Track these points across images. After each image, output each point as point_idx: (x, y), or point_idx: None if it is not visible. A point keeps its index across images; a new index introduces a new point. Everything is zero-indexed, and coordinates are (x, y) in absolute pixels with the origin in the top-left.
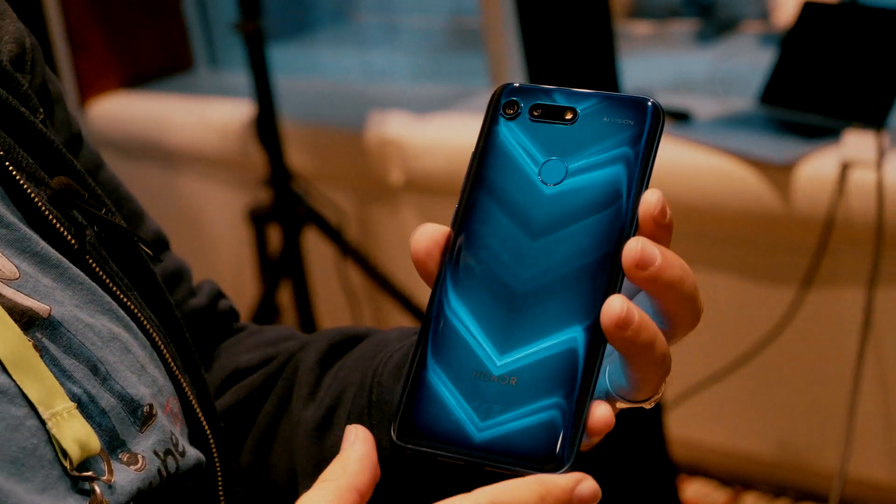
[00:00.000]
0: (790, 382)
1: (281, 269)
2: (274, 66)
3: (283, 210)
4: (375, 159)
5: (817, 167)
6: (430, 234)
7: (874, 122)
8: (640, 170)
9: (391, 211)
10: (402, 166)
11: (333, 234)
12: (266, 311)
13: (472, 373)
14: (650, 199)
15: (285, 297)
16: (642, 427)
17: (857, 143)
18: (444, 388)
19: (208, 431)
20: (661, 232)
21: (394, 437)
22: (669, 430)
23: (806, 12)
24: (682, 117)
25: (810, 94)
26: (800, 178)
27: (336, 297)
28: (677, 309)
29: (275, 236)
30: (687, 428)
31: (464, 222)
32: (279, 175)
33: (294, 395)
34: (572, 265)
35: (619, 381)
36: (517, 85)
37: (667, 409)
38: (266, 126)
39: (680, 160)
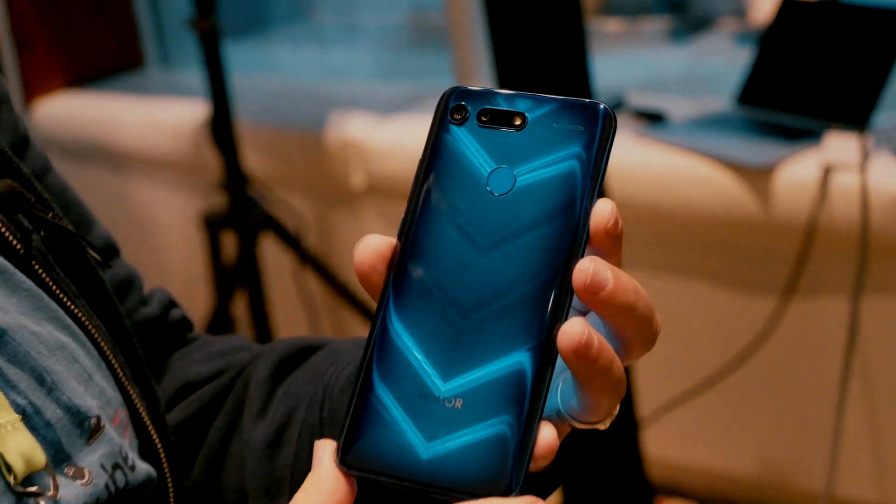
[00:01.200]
0: (772, 398)
1: (236, 277)
2: (229, 64)
3: (239, 216)
4: (335, 162)
5: (798, 170)
6: (374, 246)
7: (857, 122)
8: (592, 179)
9: (352, 216)
10: (363, 169)
11: (291, 241)
12: (220, 322)
13: (417, 394)
14: (602, 210)
15: (241, 306)
16: (617, 446)
17: (840, 146)
18: (389, 410)
19: (159, 445)
20: (613, 243)
21: (336, 461)
22: (646, 449)
23: (785, 10)
24: (655, 118)
25: (790, 93)
26: (779, 182)
27: (294, 308)
28: (631, 332)
29: (230, 243)
30: (664, 446)
31: (410, 234)
32: (234, 179)
33: (245, 411)
34: (521, 280)
35: (572, 401)
36: (465, 88)
37: (643, 427)
38: (221, 127)
39: (653, 163)
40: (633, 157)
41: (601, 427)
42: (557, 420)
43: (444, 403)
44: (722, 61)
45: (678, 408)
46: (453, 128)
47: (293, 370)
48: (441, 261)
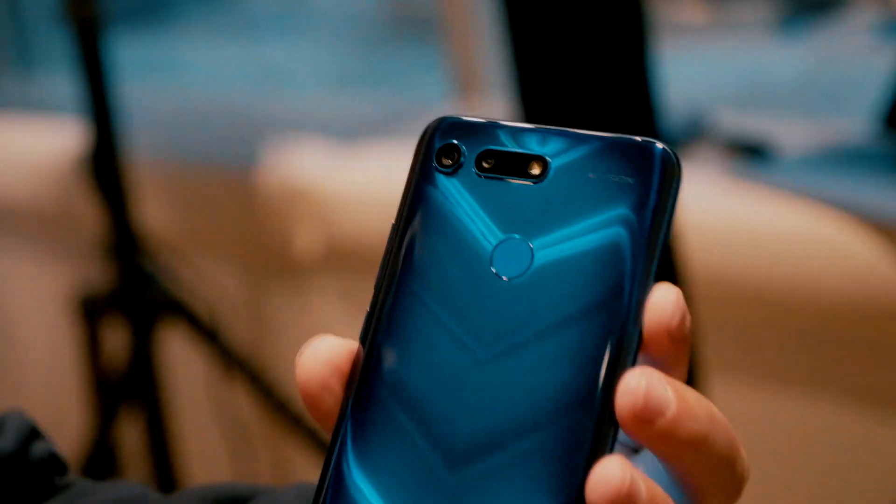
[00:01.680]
0: None
1: (125, 387)
2: (120, 70)
3: (130, 296)
4: (274, 217)
5: None
6: (325, 356)
7: None
8: (646, 255)
9: (299, 298)
10: (315, 228)
11: (207, 334)
12: (102, 456)
13: None
14: (662, 301)
15: (132, 432)
16: None
17: None
18: None
19: None
20: (677, 349)
21: None
22: None
23: None
24: (755, 151)
25: None
26: None
27: (210, 434)
28: (704, 479)
29: (116, 336)
30: None
31: (379, 336)
32: (124, 241)
33: None
34: (540, 407)
35: None
36: (458, 119)
37: None
38: (105, 164)
39: (753, 218)
40: (722, 209)
41: None
42: None
43: None
44: (855, 64)
45: None
46: (441, 178)
47: None
48: (423, 378)
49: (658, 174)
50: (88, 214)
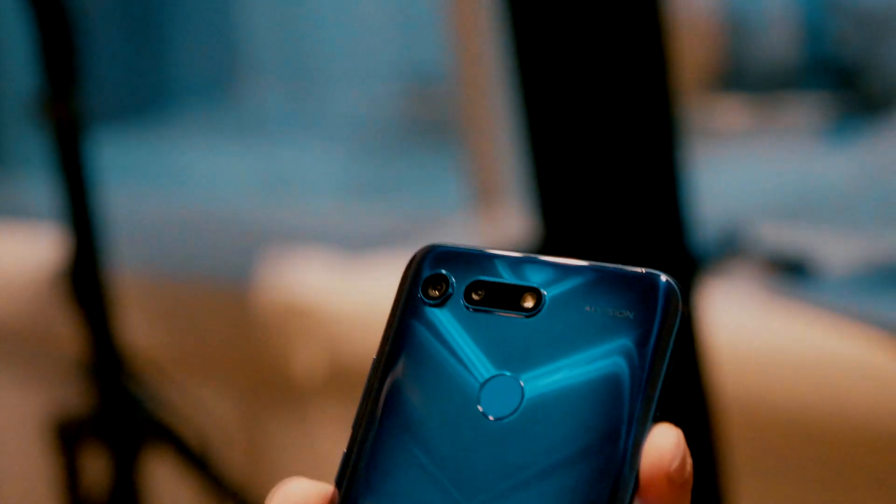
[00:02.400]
0: None
1: None
2: (105, 173)
3: (112, 420)
4: (272, 335)
5: None
6: (297, 499)
7: None
8: (645, 394)
9: (298, 424)
10: (317, 347)
11: (197, 464)
12: None
13: None
14: (661, 443)
15: None
16: None
17: None
18: None
19: None
20: (676, 495)
21: None
22: None
23: None
24: (797, 268)
25: None
26: None
27: None
28: None
29: (96, 465)
30: None
31: (356, 481)
32: (105, 360)
33: None
34: None
35: None
36: (447, 248)
37: None
38: (85, 276)
39: (794, 343)
40: (759, 331)
41: None
42: None
43: None
44: None
45: None
46: (427, 310)
47: None
48: None
49: (661, 309)
50: (67, 331)
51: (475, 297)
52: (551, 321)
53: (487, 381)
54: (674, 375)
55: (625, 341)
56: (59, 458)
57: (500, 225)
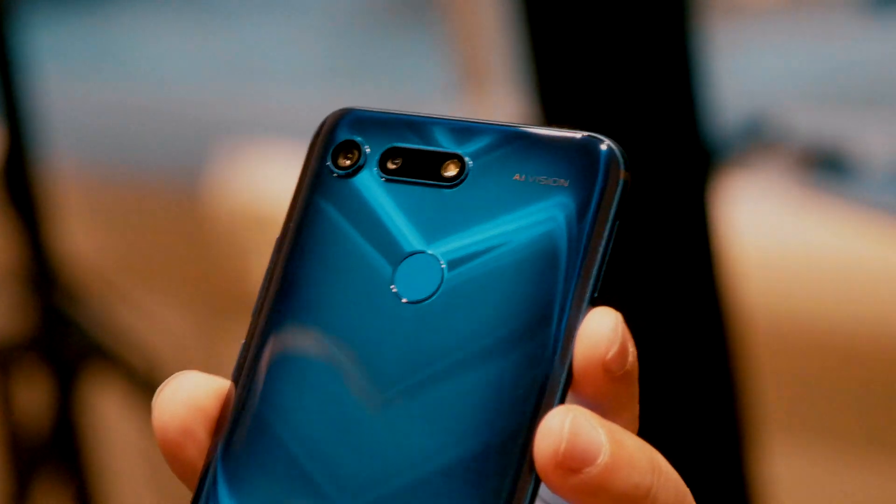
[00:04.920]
0: None
1: (43, 454)
2: (37, 56)
3: (49, 341)
4: (231, 246)
5: None
6: (188, 395)
7: None
8: (580, 273)
9: None
10: None
11: (145, 388)
12: None
13: None
14: (597, 328)
15: (53, 503)
16: None
17: None
18: None
19: None
20: (617, 390)
21: None
22: None
23: None
24: (833, 162)
25: None
26: None
27: None
28: None
29: (33, 391)
30: None
31: (253, 374)
32: (41, 273)
33: None
34: (444, 455)
35: None
36: (360, 112)
37: None
38: (17, 177)
39: (829, 248)
40: (788, 233)
41: None
42: None
43: None
44: None
45: None
46: (336, 181)
47: None
48: (305, 424)
49: (601, 176)
50: None
51: (391, 165)
52: (476, 191)
53: (403, 259)
54: (614, 254)
55: (558, 213)
56: None
57: (490, 110)
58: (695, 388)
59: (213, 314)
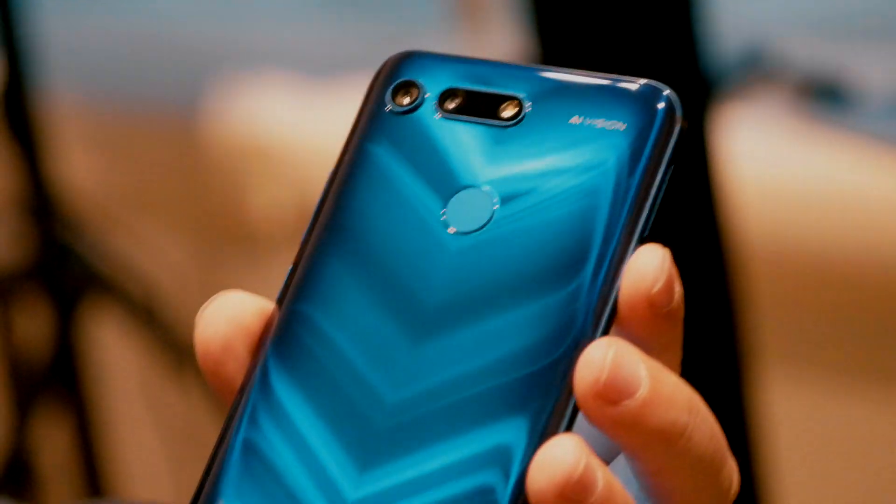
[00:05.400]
0: None
1: (43, 383)
2: None
3: (49, 270)
4: (228, 172)
5: None
6: (231, 313)
7: None
8: (631, 213)
9: (258, 272)
10: (279, 187)
11: (144, 317)
12: (16, 466)
13: None
14: (644, 264)
15: (52, 437)
16: None
17: None
18: None
19: None
20: (661, 327)
21: None
22: None
23: None
24: (832, 92)
25: None
26: None
27: (149, 440)
28: (676, 483)
29: (33, 320)
30: None
31: (302, 296)
32: (40, 203)
33: None
34: (487, 380)
35: None
36: (421, 54)
37: None
38: (16, 107)
39: (826, 177)
40: (787, 163)
41: None
42: None
43: None
44: None
45: None
46: (394, 119)
47: None
48: (349, 347)
49: (659, 122)
50: None
51: (449, 105)
52: (532, 132)
53: (455, 193)
54: (666, 199)
55: (613, 154)
56: None
57: (487, 43)
58: (694, 316)
59: (210, 244)
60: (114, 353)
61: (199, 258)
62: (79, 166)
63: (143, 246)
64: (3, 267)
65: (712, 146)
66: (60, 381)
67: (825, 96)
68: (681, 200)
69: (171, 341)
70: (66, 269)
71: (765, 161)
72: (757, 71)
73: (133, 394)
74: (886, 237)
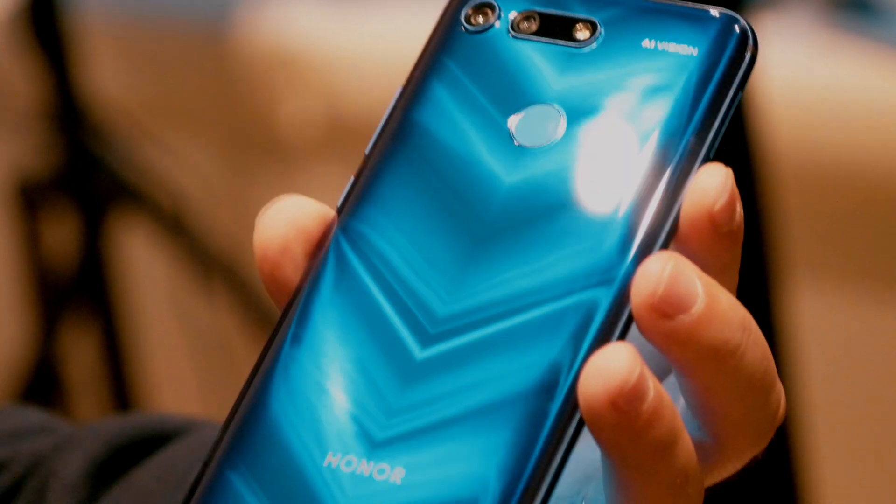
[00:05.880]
0: None
1: (71, 292)
2: None
3: (77, 180)
4: (259, 87)
5: None
6: (291, 216)
7: None
8: (699, 132)
9: (288, 182)
10: (311, 101)
11: (172, 228)
12: (44, 376)
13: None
14: (707, 181)
15: (78, 348)
16: None
17: None
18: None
19: None
20: (720, 243)
21: None
22: None
23: None
24: (861, 7)
25: None
26: None
27: (176, 350)
28: (725, 403)
29: (61, 229)
30: None
31: (364, 202)
32: (69, 113)
33: None
34: (548, 292)
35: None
36: None
37: None
38: (45, 17)
39: (857, 88)
40: (817, 74)
41: None
42: None
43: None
44: None
45: None
46: (468, 37)
47: (129, 468)
48: (410, 250)
49: (732, 47)
50: (25, 81)
51: (523, 25)
52: (605, 53)
53: (524, 108)
54: (732, 124)
55: (684, 75)
56: (18, 222)
57: None
58: None
59: (239, 154)
60: (141, 263)
61: (227, 168)
62: (107, 76)
63: (171, 156)
64: (31, 177)
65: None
66: (88, 291)
67: (854, 8)
68: None
69: (199, 251)
70: (94, 178)
71: (795, 72)
72: None
73: (161, 304)
74: None
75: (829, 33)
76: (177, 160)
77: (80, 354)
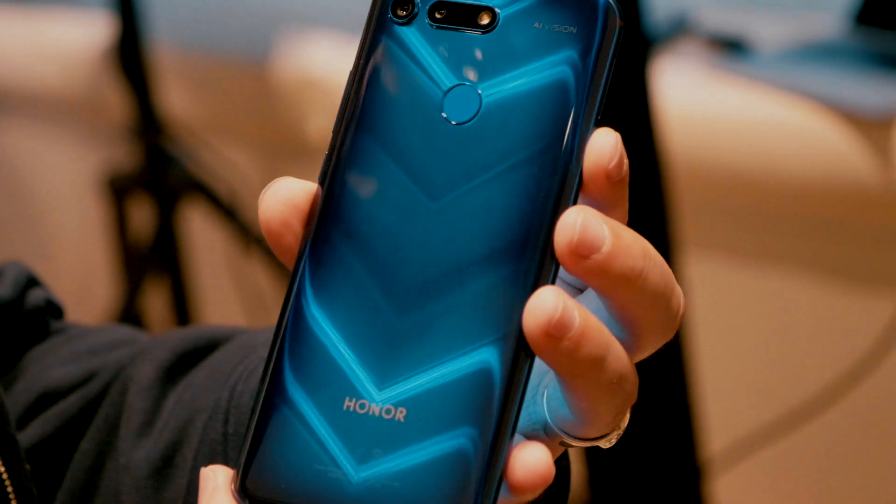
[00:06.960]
0: (889, 436)
1: (150, 261)
2: None
3: (154, 176)
4: (289, 104)
5: None
6: (285, 195)
7: None
8: (588, 100)
9: (311, 176)
10: (328, 115)
11: (226, 212)
12: (130, 319)
13: (344, 402)
14: (601, 144)
15: (156, 302)
16: (676, 497)
17: None
18: (306, 423)
19: (5, 476)
20: (615, 190)
21: (234, 490)
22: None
23: None
24: (735, 46)
25: None
26: None
27: (229, 302)
28: (640, 312)
29: (142, 213)
30: (741, 499)
31: (335, 178)
32: (148, 125)
33: (122, 427)
34: (487, 243)
35: (561, 410)
36: None
37: (712, 474)
38: (130, 53)
39: (732, 108)
40: (703, 99)
41: (604, 445)
42: (545, 437)
43: (381, 414)
44: None
45: (761, 449)
46: (395, 28)
47: (190, 369)
48: (377, 216)
49: (601, 24)
50: (115, 100)
51: (438, 16)
52: (505, 36)
53: (449, 90)
54: (613, 85)
55: (569, 52)
56: (109, 208)
57: None
58: (632, 212)
59: (276, 159)
60: (203, 238)
61: (266, 169)
62: (177, 97)
63: (224, 159)
64: (119, 173)
65: (650, 86)
66: (163, 259)
67: (731, 49)
68: (628, 127)
69: (244, 230)
70: (167, 175)
71: (688, 99)
72: (682, 31)
73: (217, 267)
74: (778, 154)
75: (713, 69)
76: (228, 162)
77: (156, 307)
